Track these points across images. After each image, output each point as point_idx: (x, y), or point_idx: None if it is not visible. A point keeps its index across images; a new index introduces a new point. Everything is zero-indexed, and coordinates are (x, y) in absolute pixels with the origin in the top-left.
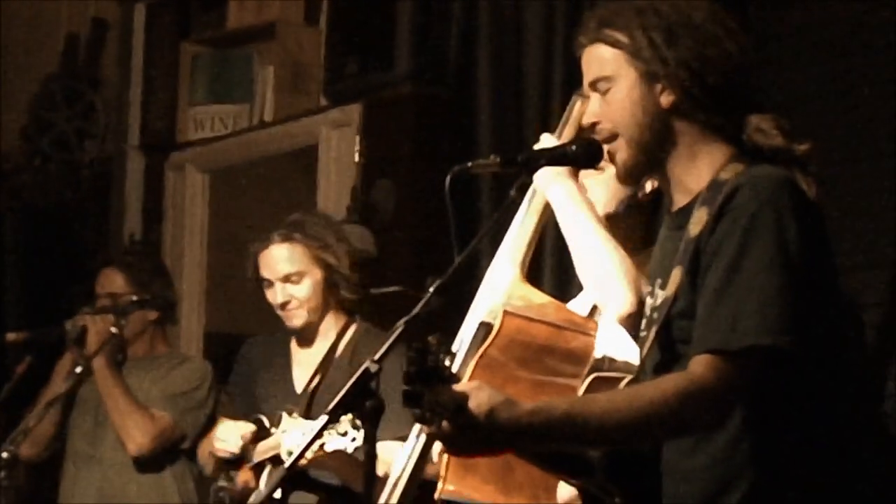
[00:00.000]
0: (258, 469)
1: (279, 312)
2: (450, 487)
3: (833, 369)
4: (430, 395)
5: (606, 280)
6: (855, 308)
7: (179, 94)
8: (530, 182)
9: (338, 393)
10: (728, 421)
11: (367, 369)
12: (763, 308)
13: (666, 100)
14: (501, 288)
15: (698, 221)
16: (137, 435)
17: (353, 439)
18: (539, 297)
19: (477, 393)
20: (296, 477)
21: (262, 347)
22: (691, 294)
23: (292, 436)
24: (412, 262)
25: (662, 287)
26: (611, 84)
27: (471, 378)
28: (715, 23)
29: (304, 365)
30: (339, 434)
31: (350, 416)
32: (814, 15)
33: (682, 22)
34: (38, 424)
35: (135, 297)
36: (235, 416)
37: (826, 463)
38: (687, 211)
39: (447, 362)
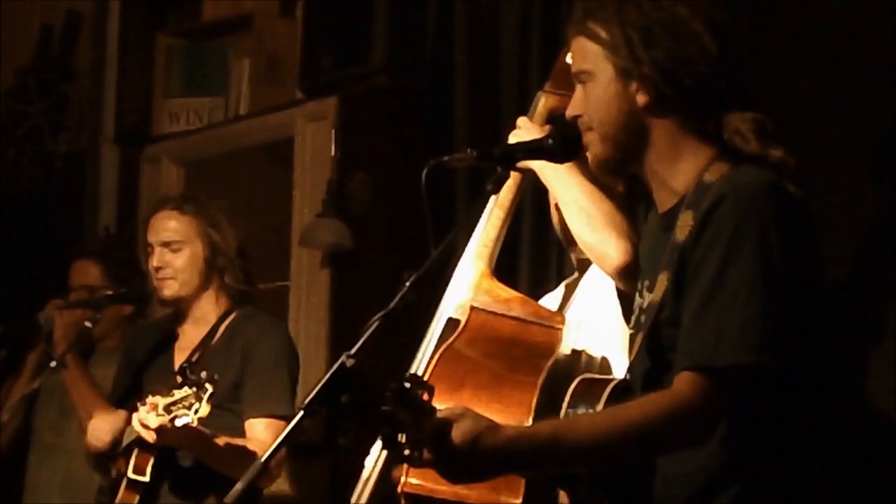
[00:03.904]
0: (127, 455)
1: (154, 281)
2: (412, 481)
3: (818, 377)
4: (408, 430)
5: (598, 234)
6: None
7: (154, 86)
8: (507, 176)
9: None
10: (713, 433)
11: (342, 364)
12: (745, 325)
13: (641, 98)
14: (468, 283)
15: (684, 225)
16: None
17: (196, 410)
18: (505, 292)
19: (460, 422)
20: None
21: (148, 334)
22: (676, 302)
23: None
24: (387, 255)
25: (650, 289)
26: (590, 78)
27: (434, 372)
28: (697, 20)
29: (184, 349)
30: (185, 408)
31: (193, 388)
32: (807, 6)
33: (661, 20)
34: (12, 419)
35: (111, 291)
36: (112, 407)
37: (814, 467)
38: (673, 213)
39: (425, 397)
